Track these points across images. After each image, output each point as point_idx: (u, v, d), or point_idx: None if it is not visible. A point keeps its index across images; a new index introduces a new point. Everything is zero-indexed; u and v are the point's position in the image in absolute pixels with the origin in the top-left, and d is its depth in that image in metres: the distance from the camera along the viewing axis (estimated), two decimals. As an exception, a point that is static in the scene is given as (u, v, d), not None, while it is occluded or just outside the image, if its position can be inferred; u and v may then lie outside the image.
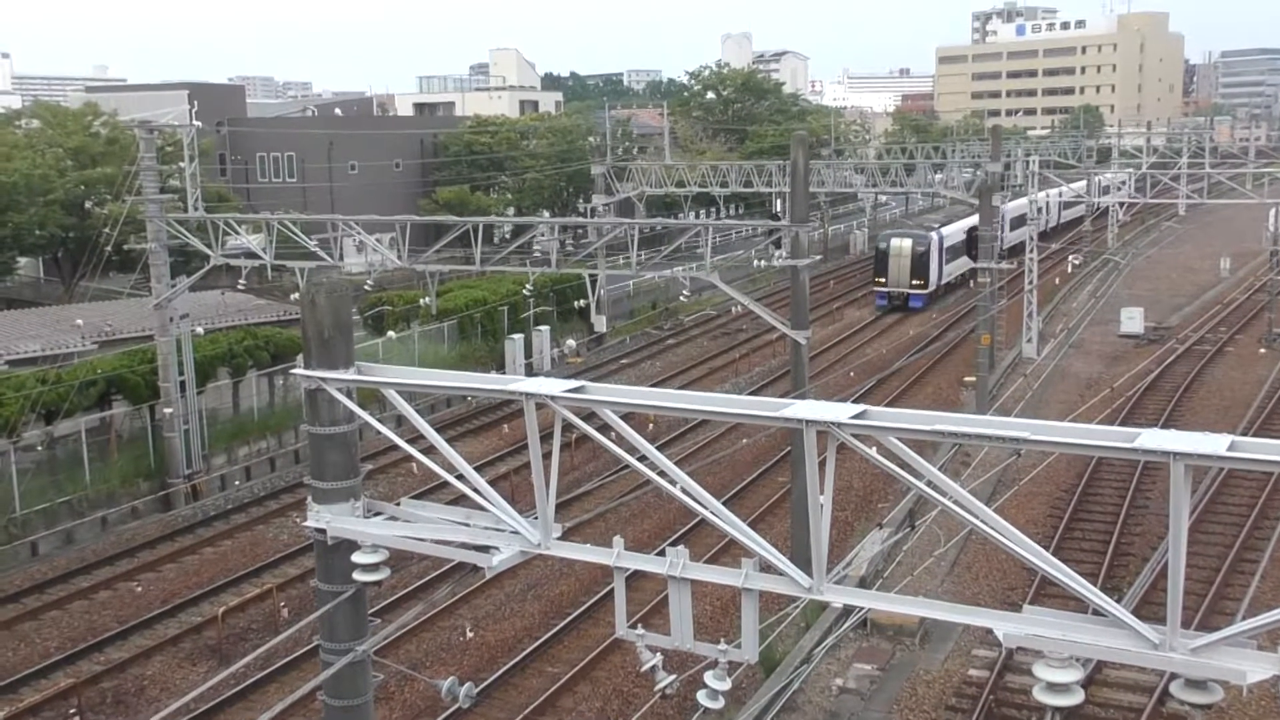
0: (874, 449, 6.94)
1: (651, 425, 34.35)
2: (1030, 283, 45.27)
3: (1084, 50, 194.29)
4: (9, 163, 46.55)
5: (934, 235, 58.99)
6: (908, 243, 58.06)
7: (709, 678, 7.34)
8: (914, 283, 57.10)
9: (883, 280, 58.25)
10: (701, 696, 7.35)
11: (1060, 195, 72.67)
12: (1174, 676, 6.20)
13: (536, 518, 7.95)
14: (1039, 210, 67.71)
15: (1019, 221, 73.10)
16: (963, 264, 61.36)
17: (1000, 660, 20.51)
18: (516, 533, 7.99)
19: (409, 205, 64.72)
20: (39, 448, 29.82)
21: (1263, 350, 45.01)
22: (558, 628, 23.30)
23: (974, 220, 63.71)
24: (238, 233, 32.22)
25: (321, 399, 8.54)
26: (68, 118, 53.61)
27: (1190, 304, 56.51)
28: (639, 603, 21.28)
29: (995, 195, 54.26)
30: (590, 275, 38.61)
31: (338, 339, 8.50)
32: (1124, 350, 46.28)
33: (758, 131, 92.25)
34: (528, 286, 39.09)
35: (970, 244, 62.11)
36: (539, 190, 73.20)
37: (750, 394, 36.46)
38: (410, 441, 9.28)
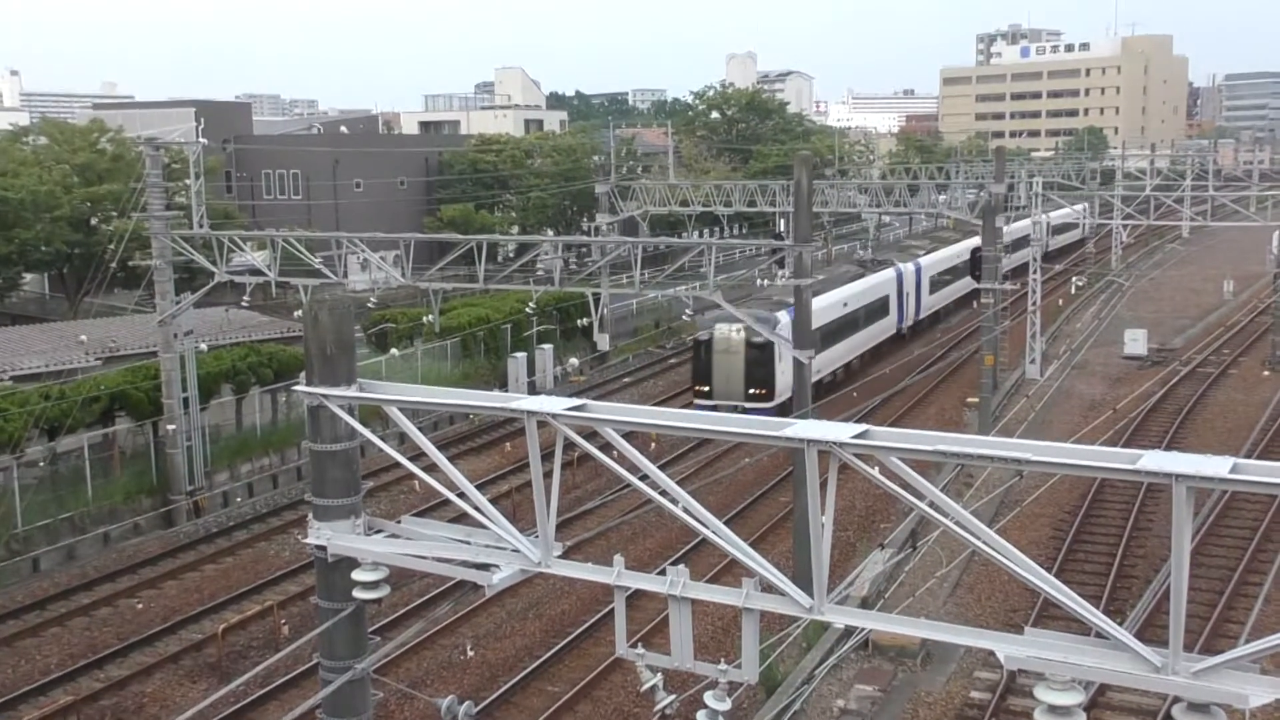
0: (876, 469, 6.94)
1: (654, 444, 34.31)
2: (1033, 304, 45.25)
3: (1088, 72, 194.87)
4: (16, 179, 46.72)
5: (782, 317, 37.51)
6: (739, 332, 38.60)
7: (709, 698, 7.32)
8: (751, 392, 38.30)
9: (705, 388, 39.35)
10: (701, 717, 7.33)
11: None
12: (1176, 700, 6.18)
13: (537, 536, 7.95)
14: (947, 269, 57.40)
15: (944, 279, 59.02)
16: (849, 349, 45.70)
17: (1002, 682, 20.42)
18: (517, 551, 7.99)
19: (413, 223, 64.85)
20: (42, 463, 29.82)
21: (1266, 373, 44.95)
22: (558, 646, 23.24)
23: (869, 283, 49.00)
24: (242, 250, 32.32)
25: (323, 416, 8.55)
26: (75, 134, 53.81)
27: (1194, 326, 56.45)
28: (640, 622, 21.22)
29: (861, 260, 47.11)
30: (593, 294, 38.63)
31: (340, 356, 8.52)
32: (1127, 372, 46.23)
33: (762, 151, 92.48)
34: (531, 305, 39.13)
35: (863, 318, 47.73)
36: (543, 209, 73.36)
37: (753, 413, 36.38)
38: (412, 459, 9.27)
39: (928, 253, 58.87)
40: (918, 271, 55.24)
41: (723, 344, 39.40)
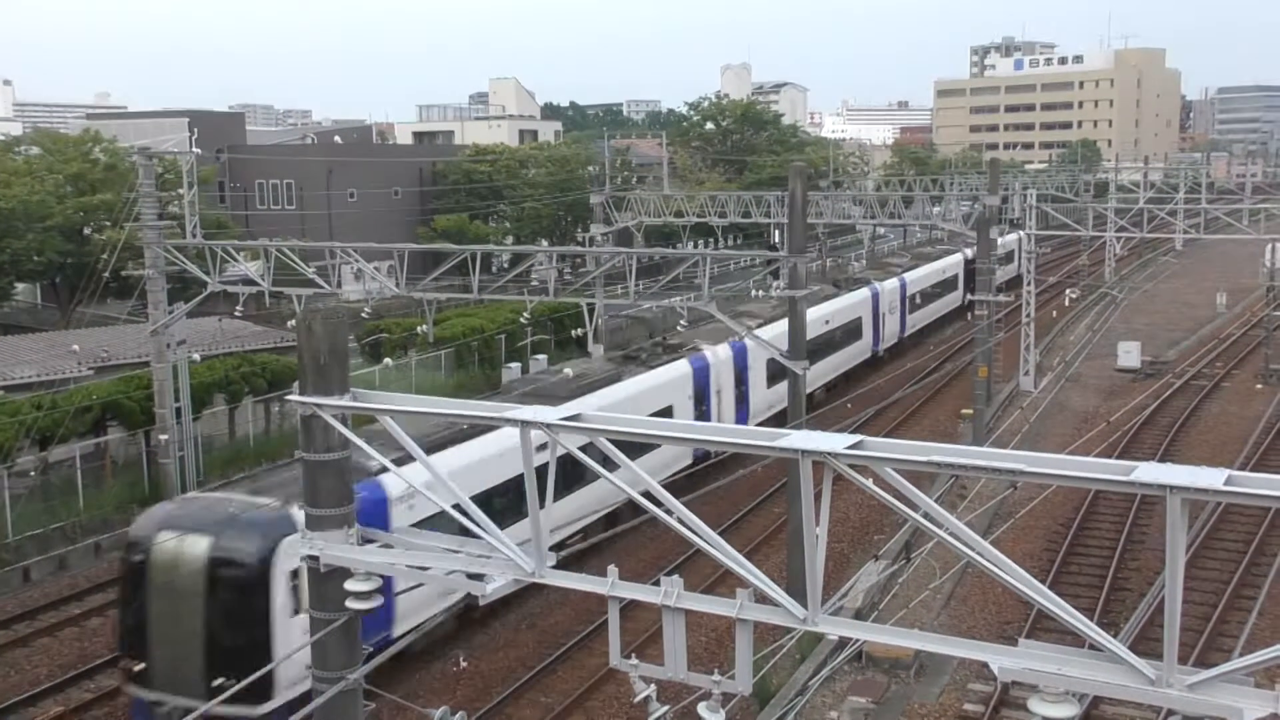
0: (870, 480, 6.93)
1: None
2: (1027, 316, 45.26)
3: (1081, 85, 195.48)
4: (8, 189, 46.61)
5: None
6: (200, 548, 18.26)
7: (703, 709, 7.30)
8: (217, 680, 17.10)
9: (137, 665, 18.52)
10: (695, 728, 7.31)
11: (904, 283, 53.84)
12: (1171, 713, 6.17)
13: (531, 546, 7.92)
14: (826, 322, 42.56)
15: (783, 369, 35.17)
16: (605, 494, 26.00)
17: (996, 695, 20.39)
18: (511, 561, 7.96)
19: (407, 233, 64.81)
20: (33, 473, 29.72)
21: (1259, 385, 45.00)
22: (552, 658, 23.18)
23: (647, 382, 31.19)
24: (236, 260, 32.24)
25: (316, 425, 8.52)
26: (67, 144, 53.75)
27: (1187, 339, 56.53)
28: (634, 633, 21.19)
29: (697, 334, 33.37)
30: (588, 304, 38.61)
31: (333, 365, 8.50)
32: (1121, 384, 46.26)
33: (756, 162, 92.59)
34: (525, 315, 39.08)
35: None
36: (537, 219, 73.38)
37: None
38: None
39: (766, 323, 37.41)
40: (740, 356, 35.71)
41: (164, 571, 18.59)
